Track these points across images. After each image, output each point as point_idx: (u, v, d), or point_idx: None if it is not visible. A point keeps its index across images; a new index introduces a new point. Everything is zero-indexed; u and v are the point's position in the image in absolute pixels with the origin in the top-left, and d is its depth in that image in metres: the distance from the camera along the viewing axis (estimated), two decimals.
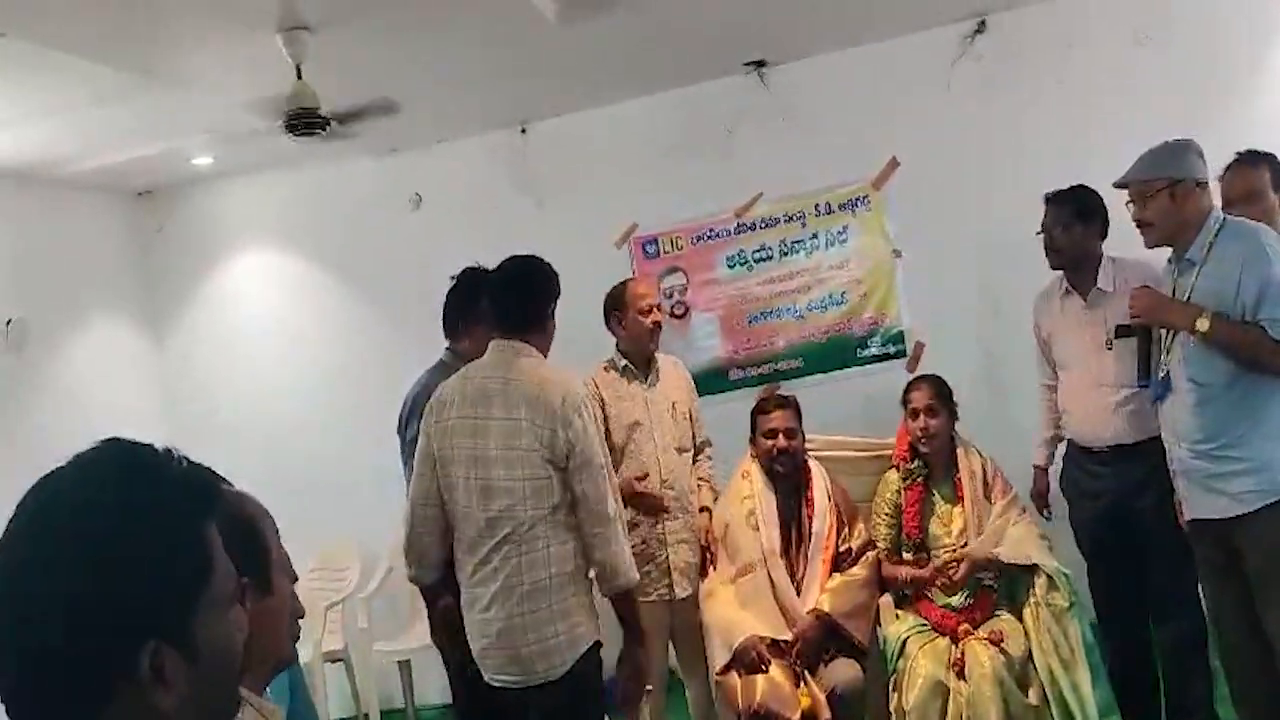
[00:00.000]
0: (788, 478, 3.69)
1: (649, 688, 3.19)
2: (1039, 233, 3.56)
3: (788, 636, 3.47)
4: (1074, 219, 3.50)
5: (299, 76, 3.84)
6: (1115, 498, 3.45)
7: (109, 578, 0.87)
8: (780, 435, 3.68)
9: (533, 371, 2.84)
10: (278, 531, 1.45)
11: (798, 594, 3.56)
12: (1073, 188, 3.56)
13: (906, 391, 3.76)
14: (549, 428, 2.74)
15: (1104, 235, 3.53)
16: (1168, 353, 3.02)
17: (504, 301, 2.97)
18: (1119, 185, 3.06)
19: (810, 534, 3.63)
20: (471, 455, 2.83)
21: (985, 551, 3.51)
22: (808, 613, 3.50)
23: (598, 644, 2.84)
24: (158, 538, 0.91)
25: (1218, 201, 3.25)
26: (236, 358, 5.71)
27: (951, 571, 3.52)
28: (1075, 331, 3.54)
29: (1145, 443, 3.33)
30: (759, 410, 3.80)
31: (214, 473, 1.01)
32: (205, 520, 0.96)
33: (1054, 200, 3.57)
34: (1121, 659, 3.52)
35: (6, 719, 0.91)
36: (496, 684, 2.85)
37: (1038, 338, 3.73)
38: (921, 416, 3.64)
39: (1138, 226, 3.04)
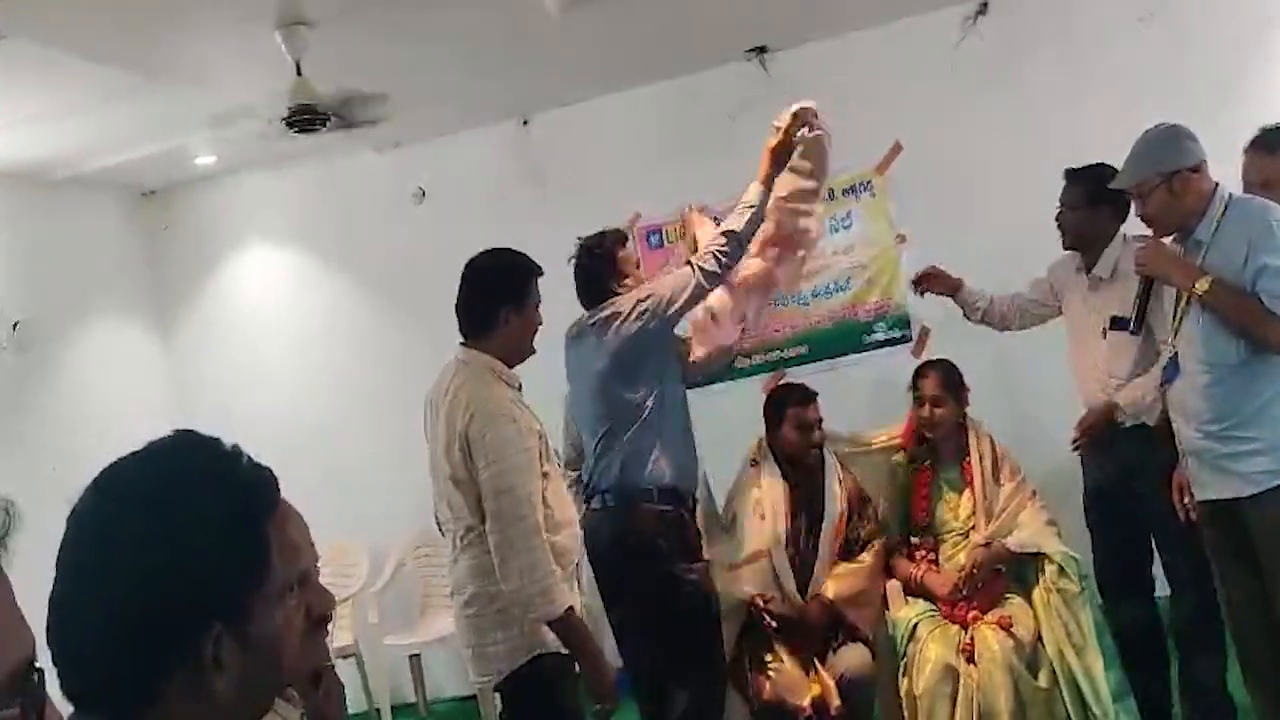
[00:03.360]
0: (803, 467, 3.68)
1: None
2: (1058, 208, 3.53)
3: (789, 611, 3.47)
4: (1083, 201, 3.44)
5: (299, 73, 3.84)
6: (1119, 478, 3.46)
7: (182, 565, 0.92)
8: (815, 429, 3.66)
9: (459, 386, 2.79)
10: (306, 528, 1.45)
11: (809, 582, 3.55)
12: (1092, 167, 3.45)
13: (915, 378, 3.73)
14: (456, 445, 2.73)
15: (1121, 218, 3.43)
16: (1176, 334, 3.00)
17: (457, 307, 2.92)
18: (1115, 188, 3.04)
19: (822, 523, 3.63)
20: (431, 463, 2.90)
21: (999, 547, 3.50)
22: (810, 600, 3.50)
23: (544, 655, 2.74)
24: (227, 529, 0.95)
25: (1233, 178, 3.23)
26: (244, 355, 5.73)
27: (965, 574, 3.50)
28: (1082, 314, 3.54)
29: (1145, 425, 3.34)
30: (787, 404, 3.71)
31: (272, 472, 1.04)
32: (268, 517, 1.00)
33: (1071, 178, 3.51)
34: (1128, 639, 3.53)
35: (69, 692, 0.93)
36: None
37: (1049, 283, 3.70)
38: (928, 406, 3.63)
39: (1143, 221, 3.02)
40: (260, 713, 1.04)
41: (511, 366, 2.87)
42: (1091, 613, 3.34)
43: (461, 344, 2.90)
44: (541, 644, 2.73)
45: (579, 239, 3.47)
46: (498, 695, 2.98)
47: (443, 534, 3.00)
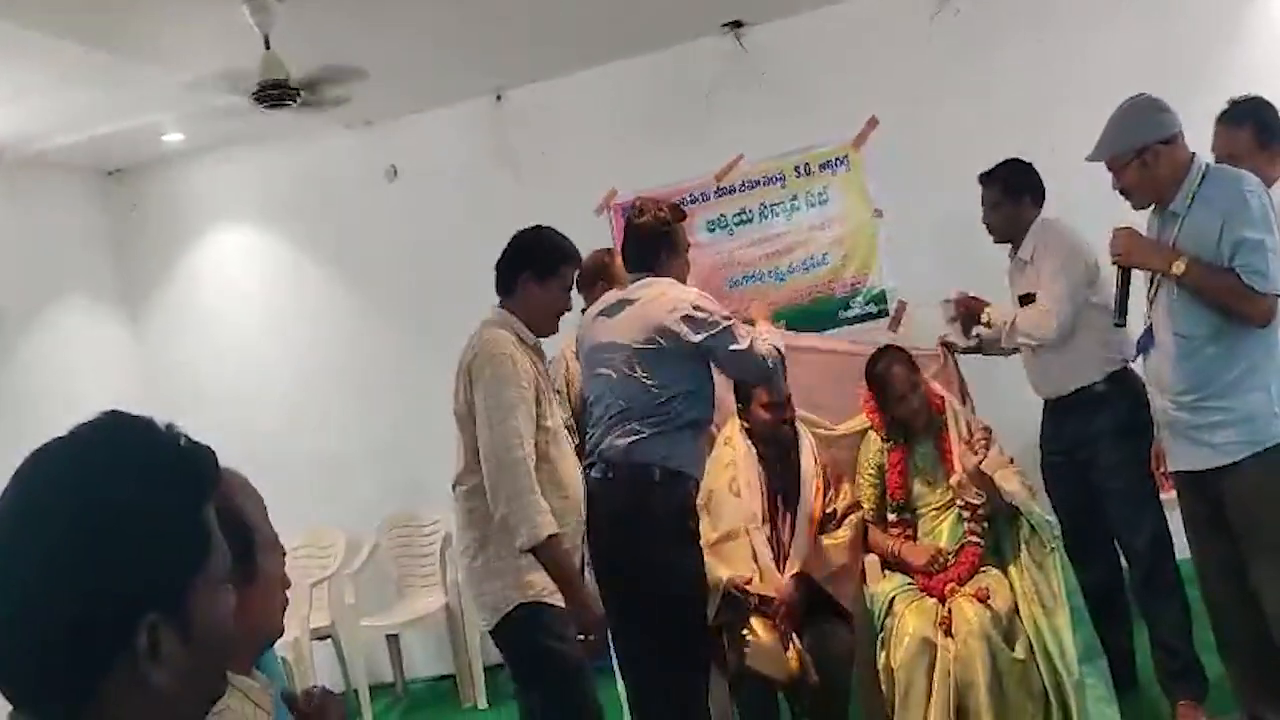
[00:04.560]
0: (777, 444, 3.67)
1: None
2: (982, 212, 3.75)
3: (769, 592, 3.47)
4: (1002, 197, 3.69)
5: (267, 47, 3.77)
6: (1066, 444, 3.62)
7: (109, 553, 0.87)
8: (780, 409, 3.63)
9: (475, 334, 2.99)
10: (264, 506, 1.43)
11: (784, 560, 3.54)
12: (1000, 166, 3.72)
13: (877, 375, 3.66)
14: (462, 382, 2.92)
15: (1038, 203, 3.68)
16: (1151, 305, 3.02)
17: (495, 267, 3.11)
18: (1091, 160, 3.04)
19: (797, 500, 3.62)
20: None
21: (988, 480, 3.48)
22: (790, 576, 3.49)
23: (527, 604, 2.89)
24: (158, 514, 0.90)
25: (1205, 147, 3.25)
26: (215, 337, 5.66)
27: (941, 555, 3.51)
28: (1009, 296, 3.75)
29: (1077, 392, 3.55)
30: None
31: (212, 451, 0.99)
32: (205, 499, 0.95)
33: (983, 182, 3.74)
34: (1094, 603, 3.58)
35: (3, 690, 0.90)
36: None
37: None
38: (905, 400, 3.59)
39: (1121, 194, 3.02)
40: (210, 700, 1.00)
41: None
42: (1064, 574, 3.35)
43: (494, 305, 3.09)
44: (529, 593, 2.87)
45: (635, 202, 3.40)
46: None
47: None
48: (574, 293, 3.23)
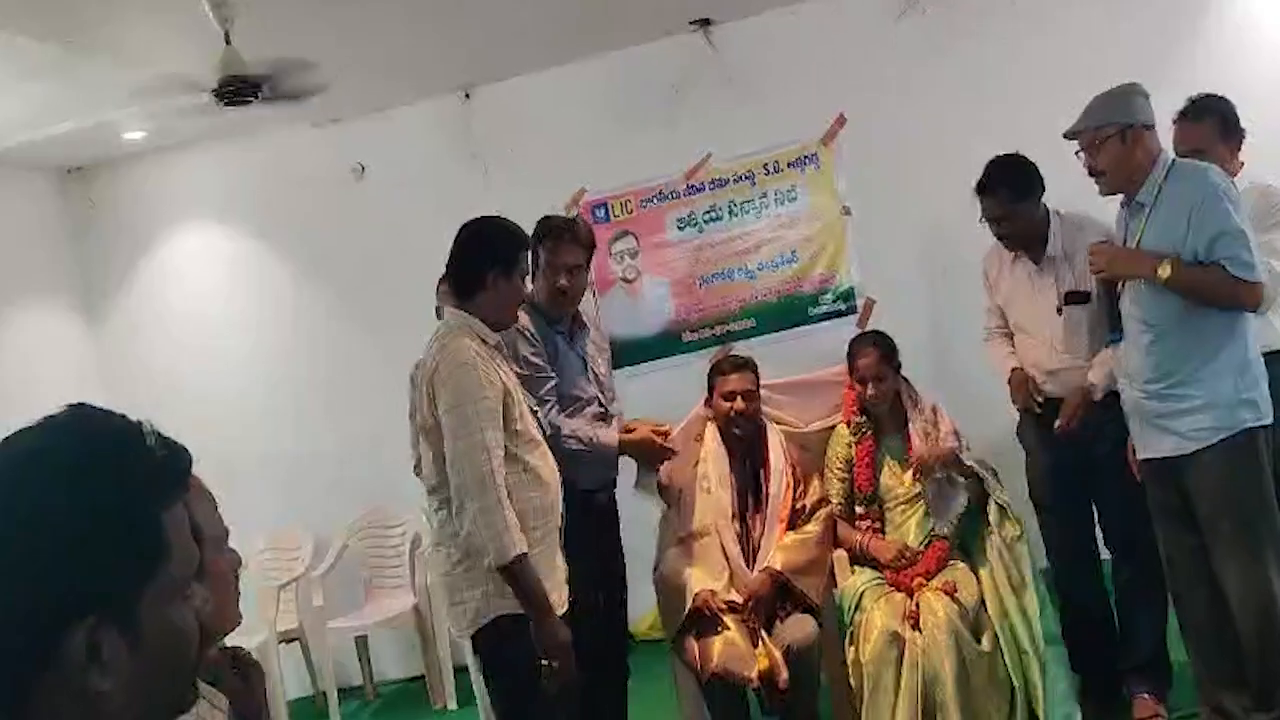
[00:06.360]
0: (744, 439, 3.68)
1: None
2: (981, 221, 3.49)
3: (737, 598, 3.46)
4: (1013, 202, 3.41)
5: (227, 43, 3.72)
6: (1066, 446, 3.47)
7: (48, 550, 0.83)
8: (739, 398, 3.64)
9: (434, 341, 2.85)
10: (213, 501, 1.41)
11: (755, 556, 3.54)
12: (998, 169, 3.44)
13: (851, 356, 3.70)
14: (426, 395, 2.79)
15: (1043, 194, 3.46)
16: (1120, 295, 3.04)
17: (447, 269, 2.97)
18: (1069, 136, 3.05)
19: (767, 496, 3.62)
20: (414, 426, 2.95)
21: (949, 451, 3.53)
22: (760, 571, 3.49)
23: (505, 617, 2.76)
24: (107, 514, 0.86)
25: (1169, 144, 3.28)
26: (177, 336, 5.58)
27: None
28: (1029, 296, 3.51)
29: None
30: (717, 371, 3.74)
31: (185, 451, 0.94)
32: (165, 500, 0.90)
33: (987, 190, 3.43)
34: (1075, 608, 3.58)
35: None
36: None
37: (987, 291, 3.70)
38: (870, 384, 3.62)
39: (1090, 175, 3.03)
40: (173, 711, 0.96)
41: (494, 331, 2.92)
42: (1030, 557, 3.42)
43: (450, 307, 2.95)
44: (506, 606, 2.75)
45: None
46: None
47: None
48: None
